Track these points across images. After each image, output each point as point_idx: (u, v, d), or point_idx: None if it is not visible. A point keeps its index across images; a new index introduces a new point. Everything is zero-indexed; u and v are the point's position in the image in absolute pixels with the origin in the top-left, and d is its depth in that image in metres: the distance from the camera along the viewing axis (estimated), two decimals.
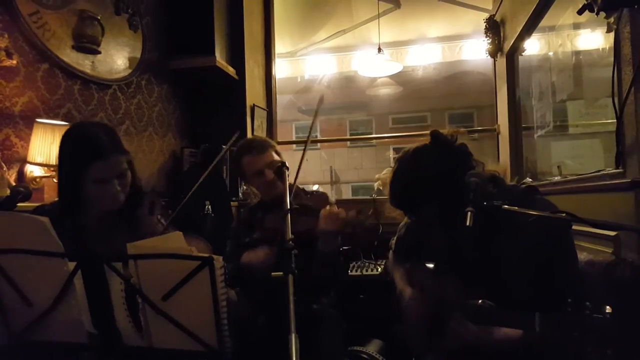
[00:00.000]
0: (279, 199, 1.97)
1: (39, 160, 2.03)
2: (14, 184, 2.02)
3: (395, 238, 1.82)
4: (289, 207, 1.42)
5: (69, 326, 1.17)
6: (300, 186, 2.16)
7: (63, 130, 2.05)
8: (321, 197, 2.07)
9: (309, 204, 1.92)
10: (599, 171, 1.65)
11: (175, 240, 1.09)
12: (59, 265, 1.12)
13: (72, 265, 1.12)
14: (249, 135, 3.52)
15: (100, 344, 1.17)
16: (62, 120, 2.24)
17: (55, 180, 2.11)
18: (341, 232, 1.80)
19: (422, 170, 1.35)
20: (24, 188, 1.37)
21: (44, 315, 1.16)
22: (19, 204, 1.33)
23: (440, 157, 1.34)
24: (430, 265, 1.45)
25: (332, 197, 2.18)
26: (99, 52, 2.55)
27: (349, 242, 2.04)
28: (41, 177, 2.13)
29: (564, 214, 1.18)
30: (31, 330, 1.18)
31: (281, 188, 2.04)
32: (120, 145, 1.47)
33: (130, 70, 2.85)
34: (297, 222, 1.83)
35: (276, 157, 2.07)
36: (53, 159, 2.03)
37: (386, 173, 4.88)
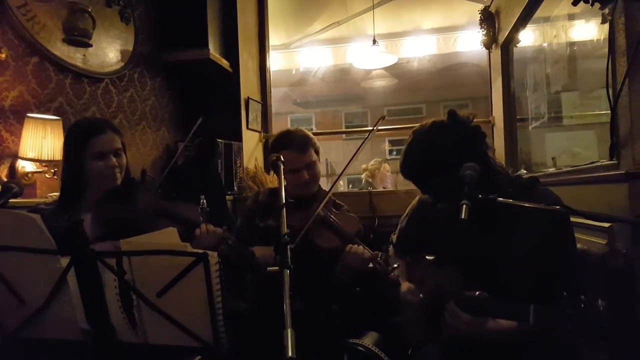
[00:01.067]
0: (306, 199, 1.97)
1: (30, 156, 2.00)
2: (5, 179, 2.00)
3: (396, 232, 1.83)
4: (284, 201, 1.42)
5: (62, 323, 1.16)
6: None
7: (55, 125, 2.07)
8: (351, 221, 1.99)
9: (338, 223, 1.89)
10: (593, 163, 1.65)
11: (169, 236, 1.08)
12: (52, 262, 1.11)
13: (64, 261, 1.11)
14: (243, 129, 3.50)
15: (94, 340, 1.17)
16: (53, 114, 2.21)
17: (47, 175, 2.11)
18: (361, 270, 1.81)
19: (438, 144, 1.37)
20: (16, 184, 1.36)
21: (37, 313, 1.16)
22: (10, 201, 1.32)
23: (457, 135, 1.36)
24: (431, 258, 1.45)
25: (327, 187, 2.15)
26: (90, 45, 2.51)
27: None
28: (33, 173, 2.11)
29: (558, 207, 1.19)
30: (24, 327, 1.18)
31: (313, 190, 2.04)
32: (115, 127, 1.69)
33: (122, 64, 2.82)
34: (320, 234, 1.84)
35: (315, 157, 2.02)
36: (45, 154, 2.01)
37: (374, 164, 4.88)
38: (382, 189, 4.27)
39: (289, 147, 1.97)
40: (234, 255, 1.70)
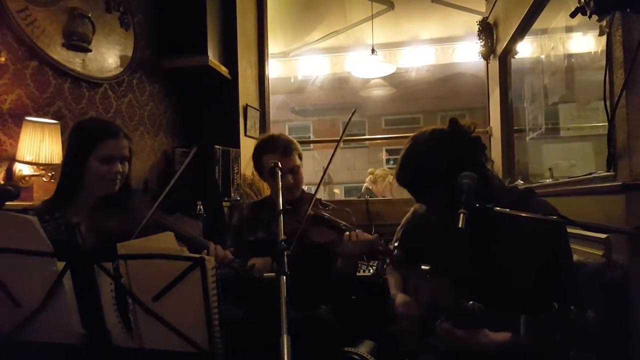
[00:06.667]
0: (291, 203, 1.97)
1: (28, 159, 2.00)
2: (2, 182, 1.99)
3: (394, 241, 1.82)
4: (281, 207, 1.41)
5: (58, 326, 1.15)
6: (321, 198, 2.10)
7: (53, 129, 2.07)
8: (343, 213, 1.98)
9: (331, 217, 1.88)
10: (590, 174, 1.66)
11: (166, 241, 1.08)
12: (48, 264, 1.10)
13: (61, 264, 1.10)
14: (241, 136, 3.50)
15: (89, 344, 1.16)
16: (51, 118, 2.21)
17: (44, 179, 2.10)
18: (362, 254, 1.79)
19: (437, 152, 1.35)
20: (12, 187, 1.36)
21: (32, 316, 1.14)
22: (6, 203, 1.32)
23: (457, 144, 1.35)
24: (426, 267, 1.44)
25: (325, 196, 2.16)
26: (90, 50, 2.52)
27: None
28: (30, 176, 2.11)
29: (555, 217, 1.19)
30: (20, 331, 1.16)
31: (296, 194, 2.04)
32: (127, 134, 1.69)
33: (121, 69, 2.83)
34: (315, 231, 1.83)
35: (299, 162, 2.02)
36: (42, 158, 2.01)
37: (381, 172, 4.87)
38: (381, 198, 4.27)
39: (274, 151, 1.98)
40: (240, 278, 1.69)
